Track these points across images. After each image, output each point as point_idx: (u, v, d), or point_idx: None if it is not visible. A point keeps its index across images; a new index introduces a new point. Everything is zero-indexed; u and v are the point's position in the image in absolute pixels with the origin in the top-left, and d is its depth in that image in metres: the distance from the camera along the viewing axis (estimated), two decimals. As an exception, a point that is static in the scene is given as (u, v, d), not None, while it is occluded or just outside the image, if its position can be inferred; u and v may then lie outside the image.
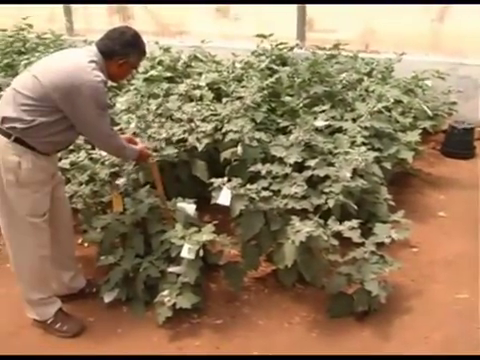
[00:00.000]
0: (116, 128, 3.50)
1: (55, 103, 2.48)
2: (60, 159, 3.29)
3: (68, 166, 3.34)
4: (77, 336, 2.80)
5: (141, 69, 4.49)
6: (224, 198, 2.68)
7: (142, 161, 3.04)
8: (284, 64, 4.25)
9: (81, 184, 3.22)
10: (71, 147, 3.46)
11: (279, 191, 2.92)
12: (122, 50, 2.64)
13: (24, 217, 2.60)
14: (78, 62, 2.52)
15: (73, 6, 6.81)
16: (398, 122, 3.84)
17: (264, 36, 4.17)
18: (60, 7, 6.82)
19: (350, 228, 2.64)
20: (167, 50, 4.75)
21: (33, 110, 2.48)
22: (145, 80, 4.23)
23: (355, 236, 2.61)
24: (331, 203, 2.88)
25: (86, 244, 3.42)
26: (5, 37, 5.74)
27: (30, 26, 6.05)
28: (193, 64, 4.64)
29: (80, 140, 3.49)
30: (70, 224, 2.98)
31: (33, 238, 2.67)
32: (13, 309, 2.98)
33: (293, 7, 5.42)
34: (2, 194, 2.59)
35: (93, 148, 3.46)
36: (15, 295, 3.01)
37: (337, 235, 2.72)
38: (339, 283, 2.71)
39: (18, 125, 2.47)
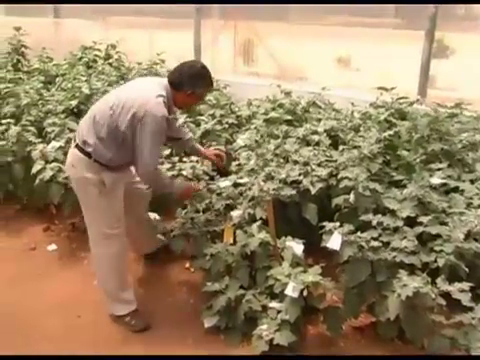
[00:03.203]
0: (235, 163, 3.72)
1: (123, 131, 2.85)
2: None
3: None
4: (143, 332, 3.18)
5: (262, 110, 4.72)
6: (335, 242, 2.74)
7: (186, 198, 3.40)
8: (403, 118, 4.25)
9: (198, 211, 3.43)
10: (190, 176, 3.74)
11: (388, 243, 2.92)
12: (190, 82, 2.95)
13: (101, 227, 3.04)
14: (146, 95, 2.86)
15: (203, 47, 7.33)
16: (520, 189, 3.69)
17: (386, 89, 4.21)
18: (191, 47, 7.36)
19: (460, 290, 2.57)
20: (288, 94, 4.94)
21: (107, 138, 2.89)
22: (265, 121, 4.43)
23: (465, 299, 2.54)
24: (441, 262, 2.82)
25: (192, 269, 3.62)
26: (140, 70, 6.29)
27: (162, 61, 6.58)
28: (311, 110, 4.79)
29: (198, 170, 3.76)
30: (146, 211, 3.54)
31: (110, 244, 3.09)
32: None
33: (417, 62, 5.43)
34: (85, 205, 3.05)
35: (211, 179, 3.69)
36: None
37: (443, 296, 2.65)
38: (442, 345, 2.63)
39: (91, 149, 2.91)
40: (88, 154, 2.92)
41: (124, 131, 2.86)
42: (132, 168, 3.19)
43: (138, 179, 3.20)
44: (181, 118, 3.79)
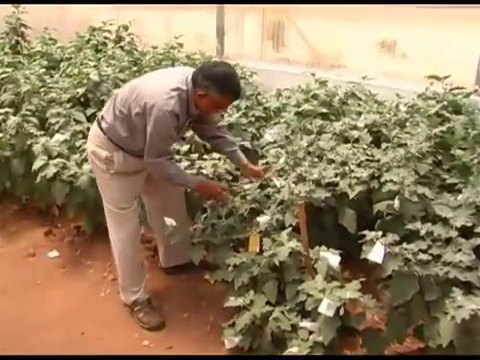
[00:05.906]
0: (262, 161, 3.70)
1: (133, 118, 3.02)
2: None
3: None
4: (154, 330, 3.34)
5: (293, 101, 4.69)
6: (376, 254, 2.69)
7: (207, 196, 3.40)
8: (457, 112, 4.18)
9: (220, 217, 3.42)
10: (211, 175, 3.73)
11: (439, 256, 2.86)
12: (203, 82, 2.95)
13: (108, 205, 3.29)
14: (163, 86, 2.96)
15: (226, 29, 7.33)
16: None
17: (438, 78, 4.15)
18: (213, 29, 7.37)
19: (526, 314, 2.51)
20: (323, 83, 4.91)
21: (121, 118, 3.08)
22: (297, 114, 4.40)
23: None
24: (502, 281, 2.77)
25: (213, 281, 3.60)
26: (156, 54, 6.31)
27: (180, 45, 6.60)
28: (350, 102, 4.74)
29: (220, 169, 3.74)
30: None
31: (118, 225, 3.33)
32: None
33: (476, 46, 5.33)
34: (97, 180, 3.33)
35: (235, 180, 3.68)
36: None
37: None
38: (504, 379, 2.58)
39: (106, 126, 3.14)
40: (103, 130, 3.16)
41: (134, 117, 3.02)
42: None
43: None
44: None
